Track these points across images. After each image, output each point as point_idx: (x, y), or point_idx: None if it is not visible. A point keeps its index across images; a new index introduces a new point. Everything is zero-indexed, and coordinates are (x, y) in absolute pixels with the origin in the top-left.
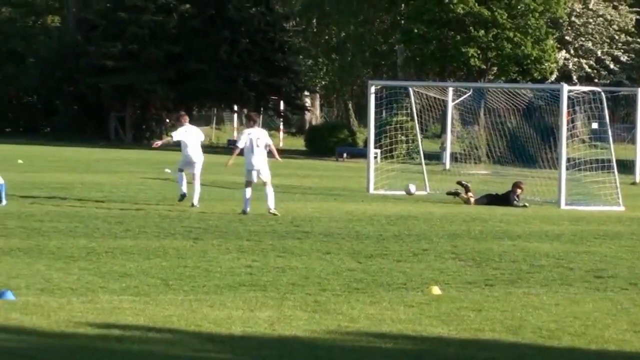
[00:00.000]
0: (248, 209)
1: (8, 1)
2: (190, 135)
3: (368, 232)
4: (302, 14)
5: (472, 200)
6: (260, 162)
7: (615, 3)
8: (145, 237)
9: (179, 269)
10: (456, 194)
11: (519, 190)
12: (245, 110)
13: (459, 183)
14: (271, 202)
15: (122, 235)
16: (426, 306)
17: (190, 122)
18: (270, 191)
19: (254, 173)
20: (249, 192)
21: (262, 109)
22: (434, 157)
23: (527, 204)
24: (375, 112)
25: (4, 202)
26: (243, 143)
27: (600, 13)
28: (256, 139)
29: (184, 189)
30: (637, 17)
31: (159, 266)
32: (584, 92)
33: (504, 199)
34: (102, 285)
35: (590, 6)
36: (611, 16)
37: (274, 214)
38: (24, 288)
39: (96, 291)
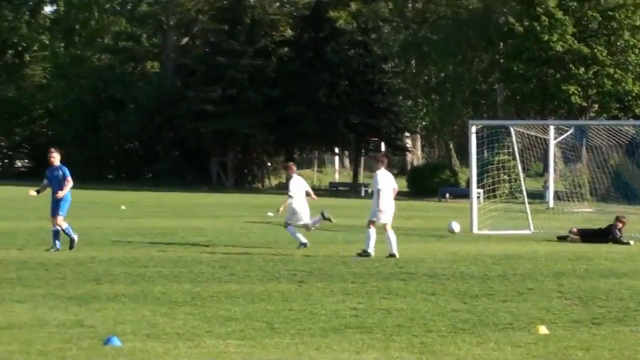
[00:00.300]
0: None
1: (107, 48)
2: (297, 187)
3: (472, 272)
4: (400, 55)
5: (577, 237)
6: (391, 205)
7: None
8: (249, 280)
9: (284, 312)
10: (565, 237)
11: (620, 224)
12: (346, 152)
13: (570, 232)
14: (394, 246)
15: (226, 280)
16: (533, 346)
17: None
18: (392, 234)
19: (384, 215)
20: (374, 232)
21: (362, 150)
22: (537, 196)
23: (631, 242)
24: (477, 152)
25: (58, 246)
26: (383, 185)
27: None
28: (392, 182)
29: (302, 239)
30: None
31: (264, 310)
32: None
33: (606, 233)
34: (208, 330)
35: None
36: None
37: (393, 256)
38: (130, 334)
39: (202, 336)
